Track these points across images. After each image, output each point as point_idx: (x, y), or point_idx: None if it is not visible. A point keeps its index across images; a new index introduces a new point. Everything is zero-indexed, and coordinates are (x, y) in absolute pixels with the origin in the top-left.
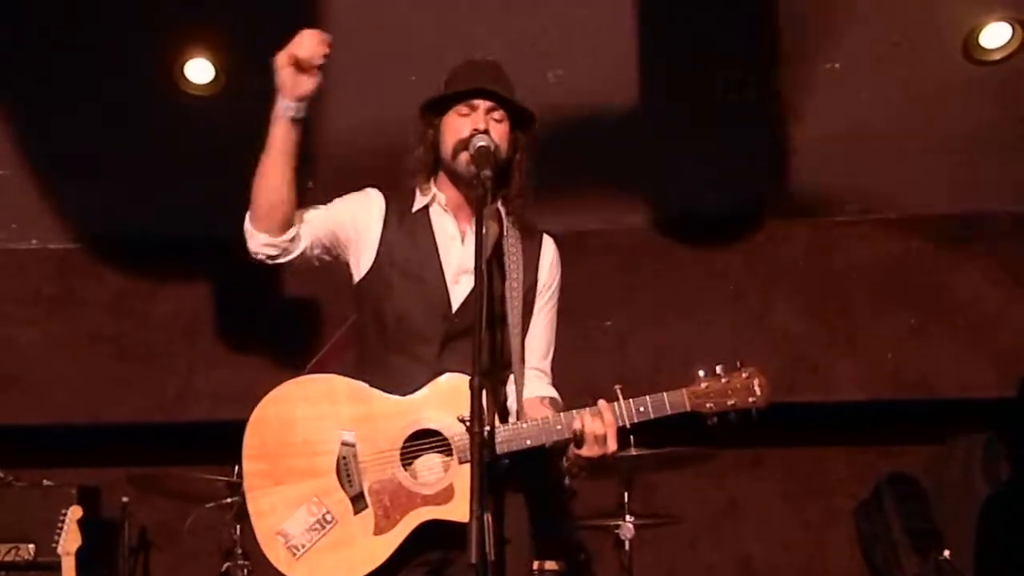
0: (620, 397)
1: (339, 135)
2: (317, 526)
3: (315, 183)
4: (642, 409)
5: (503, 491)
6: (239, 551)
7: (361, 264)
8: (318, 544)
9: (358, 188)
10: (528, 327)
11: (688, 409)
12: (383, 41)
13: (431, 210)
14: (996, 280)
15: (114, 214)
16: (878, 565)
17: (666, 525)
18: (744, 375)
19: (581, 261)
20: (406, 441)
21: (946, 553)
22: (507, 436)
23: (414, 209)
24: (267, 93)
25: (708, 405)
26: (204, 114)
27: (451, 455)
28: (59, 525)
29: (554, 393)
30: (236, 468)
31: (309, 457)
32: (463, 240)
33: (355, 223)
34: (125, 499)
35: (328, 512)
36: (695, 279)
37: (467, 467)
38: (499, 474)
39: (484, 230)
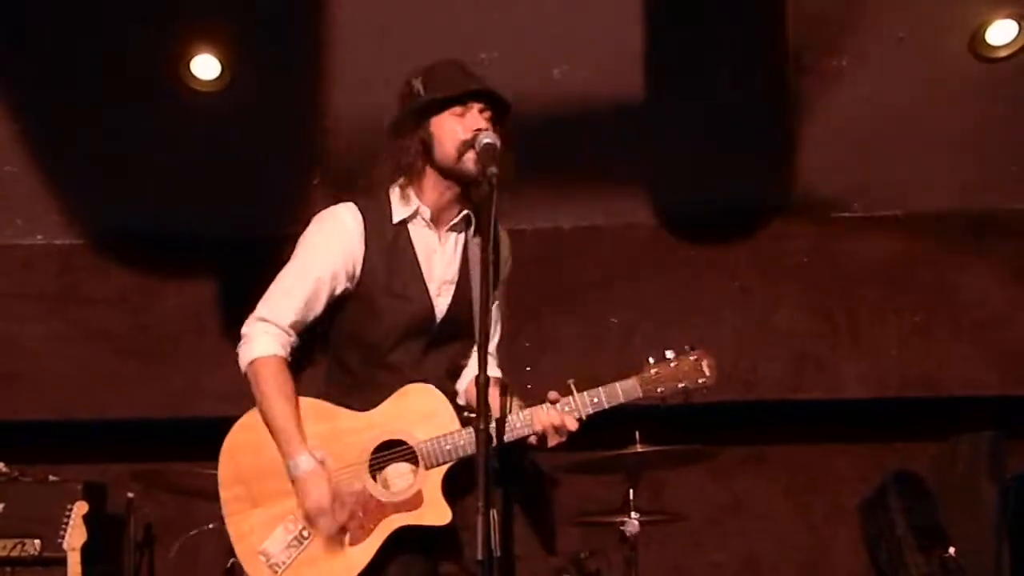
0: (574, 391)
1: (344, 129)
2: (295, 542)
3: (320, 179)
4: (596, 400)
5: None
6: None
7: (344, 287)
8: (297, 559)
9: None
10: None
11: (640, 395)
12: (387, 38)
13: (411, 224)
14: (1002, 279)
15: (120, 210)
16: (883, 563)
17: (671, 522)
18: (692, 357)
19: (587, 258)
20: (373, 453)
21: (951, 550)
22: (468, 439)
23: (395, 220)
24: (271, 90)
25: (659, 390)
26: (210, 110)
27: (418, 462)
28: (65, 520)
29: (499, 373)
30: None
31: (282, 478)
32: (443, 248)
33: (338, 272)
34: (130, 495)
35: (304, 528)
36: (701, 276)
37: (434, 472)
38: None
39: (492, 231)
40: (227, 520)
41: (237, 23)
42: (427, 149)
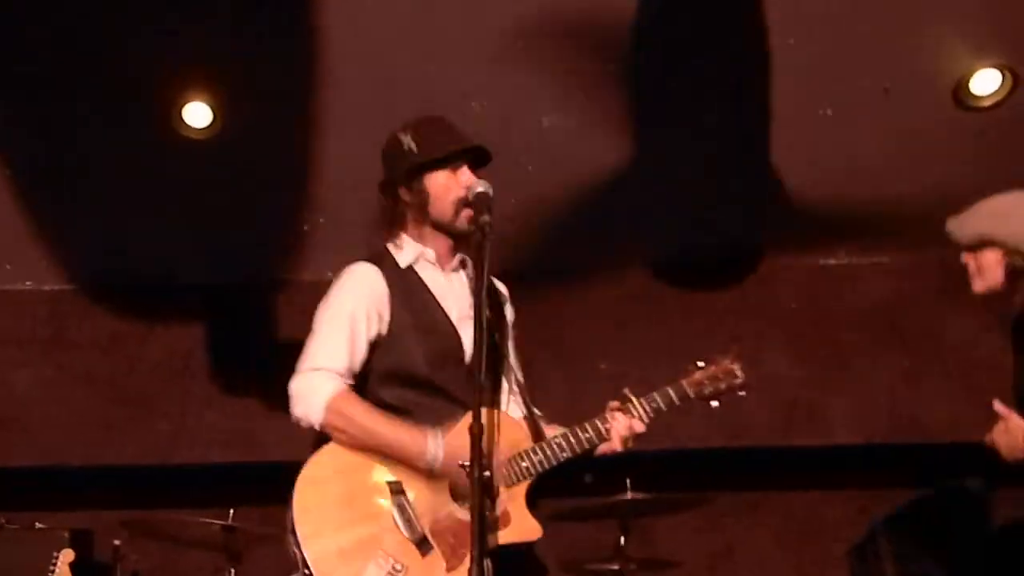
0: (632, 398)
1: (335, 177)
2: (392, 573)
3: (310, 226)
4: (654, 404)
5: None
6: None
7: (377, 331)
8: None
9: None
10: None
11: (692, 396)
12: (378, 86)
13: (417, 266)
14: (989, 323)
15: (109, 256)
16: None
17: (663, 569)
18: (727, 361)
19: (574, 303)
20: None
21: None
22: (544, 455)
23: (403, 266)
24: (262, 137)
25: (706, 391)
26: (201, 158)
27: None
28: (51, 569)
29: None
30: (231, 512)
31: (364, 520)
32: (451, 285)
33: (371, 313)
34: (117, 542)
35: (396, 562)
36: (689, 321)
37: (516, 489)
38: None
39: (484, 273)
40: (311, 563)
41: (228, 71)
42: (422, 204)
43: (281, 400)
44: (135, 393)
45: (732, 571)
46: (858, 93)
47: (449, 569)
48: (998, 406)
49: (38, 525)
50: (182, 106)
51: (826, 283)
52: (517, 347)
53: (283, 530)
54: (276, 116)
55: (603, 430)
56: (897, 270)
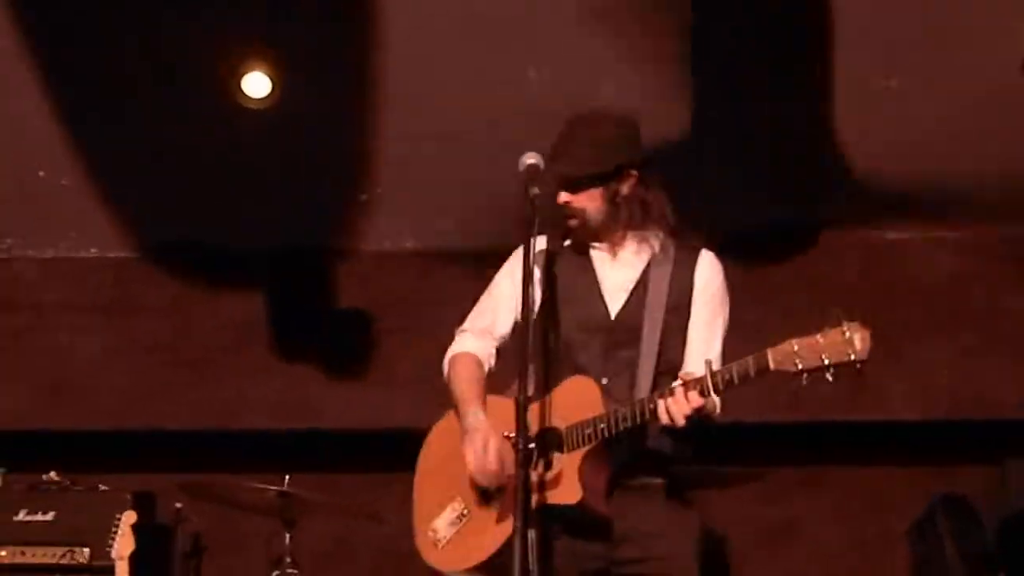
0: (708, 369)
1: (397, 147)
2: (456, 520)
3: (369, 195)
4: (727, 377)
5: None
6: (288, 559)
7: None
8: (455, 535)
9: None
10: (665, 341)
11: (771, 368)
12: (431, 58)
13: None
14: None
15: (172, 223)
16: None
17: (720, 544)
18: (843, 329)
19: None
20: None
21: None
22: (608, 423)
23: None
24: (320, 107)
25: (798, 364)
26: (261, 128)
27: (563, 448)
28: (114, 529)
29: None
30: (286, 478)
31: (456, 465)
32: (615, 261)
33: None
34: (178, 505)
35: (466, 508)
36: (747, 297)
37: (575, 455)
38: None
39: (533, 245)
40: (415, 500)
41: (288, 42)
42: None
43: (342, 368)
44: (196, 359)
45: (790, 546)
46: (924, 64)
47: (498, 520)
48: None
49: (102, 487)
50: (242, 76)
51: (888, 258)
52: (704, 321)
53: None
54: (334, 87)
55: (662, 403)
56: (961, 244)
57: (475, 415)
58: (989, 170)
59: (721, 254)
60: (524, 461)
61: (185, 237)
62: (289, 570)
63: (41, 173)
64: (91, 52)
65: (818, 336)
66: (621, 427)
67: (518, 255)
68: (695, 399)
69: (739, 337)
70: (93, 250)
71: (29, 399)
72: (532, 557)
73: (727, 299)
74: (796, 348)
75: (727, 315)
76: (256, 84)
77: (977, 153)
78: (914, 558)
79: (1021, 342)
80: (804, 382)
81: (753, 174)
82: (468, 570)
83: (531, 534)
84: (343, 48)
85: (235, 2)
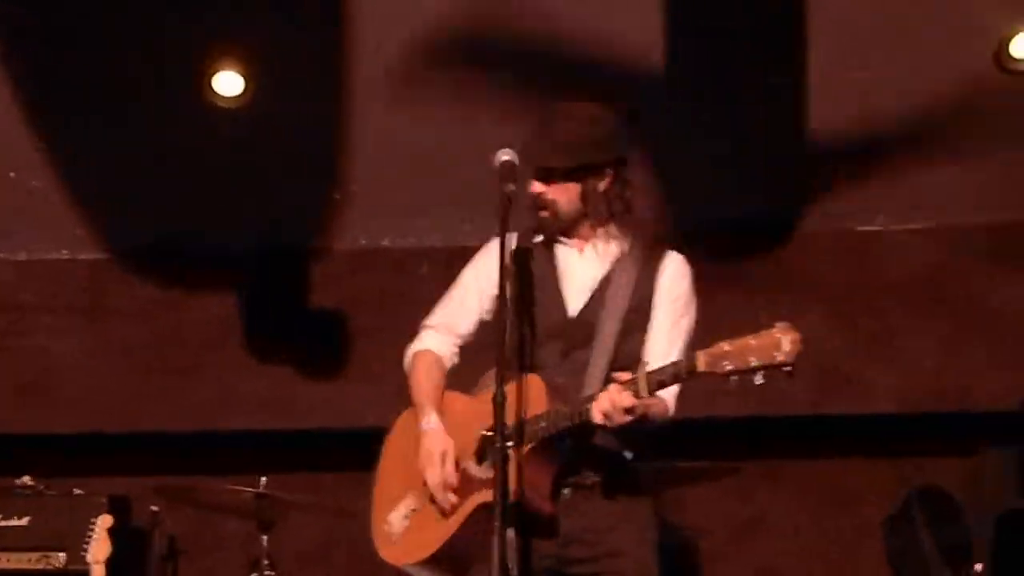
0: (641, 371)
1: (366, 146)
2: (408, 515)
3: (342, 194)
4: (660, 378)
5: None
6: (265, 561)
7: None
8: (406, 529)
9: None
10: (622, 342)
11: (703, 370)
12: (407, 56)
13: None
14: None
15: (144, 225)
16: None
17: (691, 541)
18: (773, 331)
19: None
20: (482, 435)
21: (977, 567)
22: (548, 422)
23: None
24: (294, 106)
25: (726, 366)
26: (233, 126)
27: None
28: (89, 534)
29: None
30: (263, 479)
31: (411, 463)
32: (582, 258)
33: (482, 285)
34: (155, 508)
35: (417, 504)
36: (723, 289)
37: (521, 451)
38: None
39: (505, 242)
40: (374, 494)
41: (260, 40)
42: None
43: (319, 367)
44: (172, 361)
45: (765, 539)
46: (897, 55)
47: (445, 516)
48: None
49: (76, 491)
50: (213, 75)
51: (862, 250)
52: (671, 322)
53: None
54: (309, 84)
55: (595, 404)
56: (937, 236)
57: (428, 419)
58: (963, 161)
59: (694, 248)
60: (502, 460)
61: (160, 238)
62: (267, 572)
63: (12, 175)
64: (59, 54)
65: (750, 338)
66: (561, 426)
67: (485, 251)
68: (627, 399)
69: (714, 335)
70: (64, 252)
71: (1, 402)
72: (511, 559)
73: (693, 302)
74: (727, 349)
75: (693, 318)
76: (228, 83)
77: (951, 144)
78: (890, 550)
79: (996, 333)
80: (732, 384)
81: (726, 168)
82: (416, 564)
83: (509, 532)
84: (316, 46)
85: (206, 1)
